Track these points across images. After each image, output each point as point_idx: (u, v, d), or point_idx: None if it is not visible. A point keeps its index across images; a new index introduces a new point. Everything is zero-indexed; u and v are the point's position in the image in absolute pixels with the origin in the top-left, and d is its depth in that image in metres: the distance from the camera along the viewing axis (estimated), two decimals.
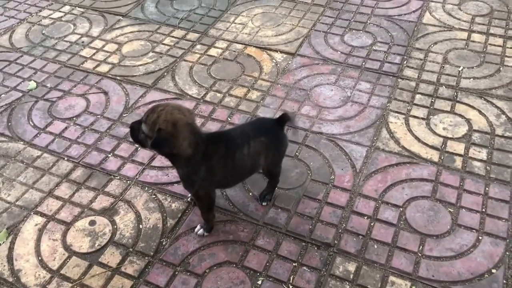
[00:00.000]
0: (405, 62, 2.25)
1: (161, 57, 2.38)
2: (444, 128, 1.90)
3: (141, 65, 2.34)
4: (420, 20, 2.51)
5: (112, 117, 2.05)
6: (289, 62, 2.31)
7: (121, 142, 1.93)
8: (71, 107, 2.12)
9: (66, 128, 2.01)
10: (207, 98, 2.13)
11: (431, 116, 1.96)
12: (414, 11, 2.58)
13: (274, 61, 2.32)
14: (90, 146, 1.92)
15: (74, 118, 2.06)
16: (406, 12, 2.57)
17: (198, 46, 2.45)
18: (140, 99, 2.14)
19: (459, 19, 2.50)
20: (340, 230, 1.56)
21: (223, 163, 1.42)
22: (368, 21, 2.52)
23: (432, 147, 1.83)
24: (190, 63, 2.34)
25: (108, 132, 1.98)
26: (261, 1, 2.76)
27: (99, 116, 2.06)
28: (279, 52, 2.38)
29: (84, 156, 1.88)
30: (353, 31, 2.47)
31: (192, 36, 2.52)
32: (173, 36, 2.53)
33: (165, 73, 2.28)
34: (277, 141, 1.50)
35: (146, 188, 1.74)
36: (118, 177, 1.78)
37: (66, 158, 1.87)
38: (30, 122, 2.05)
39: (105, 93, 2.19)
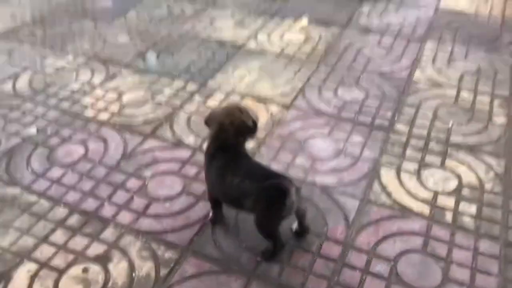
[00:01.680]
0: (396, 117, 2.33)
1: (160, 107, 2.45)
2: (434, 183, 1.95)
3: (140, 114, 2.40)
4: (411, 77, 2.61)
5: (109, 164, 2.09)
6: (285, 114, 2.38)
7: (118, 189, 1.96)
8: (70, 154, 2.16)
9: (64, 174, 2.04)
10: (204, 147, 2.18)
11: (421, 171, 2.01)
12: (405, 69, 2.69)
13: (270, 112, 2.39)
14: (87, 192, 1.95)
15: (73, 165, 2.09)
16: (397, 69, 2.68)
17: (197, 97, 2.53)
18: (138, 147, 2.19)
19: (448, 76, 2.60)
20: (332, 283, 1.57)
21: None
22: (361, 77, 2.62)
23: (423, 201, 1.86)
24: (188, 113, 2.41)
25: (105, 179, 2.01)
26: (258, 55, 2.87)
27: (97, 163, 2.10)
28: (275, 104, 2.45)
29: (81, 202, 1.90)
30: (346, 86, 2.56)
31: (191, 87, 2.61)
32: (172, 87, 2.61)
33: (164, 122, 2.34)
34: (267, 202, 1.52)
35: (140, 236, 1.75)
36: (113, 224, 1.80)
37: (62, 204, 1.89)
38: (29, 168, 2.08)
39: (104, 140, 2.23)
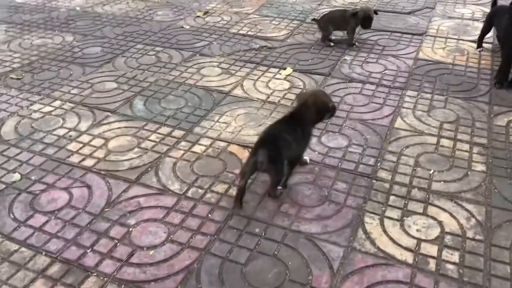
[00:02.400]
0: (379, 164, 2.37)
1: (146, 153, 2.46)
2: (417, 230, 1.97)
3: (126, 160, 2.41)
4: (392, 124, 2.68)
5: (93, 211, 2.08)
6: None
7: (101, 237, 1.94)
8: (54, 201, 2.14)
9: (47, 221, 2.02)
10: (189, 193, 2.19)
11: (405, 218, 2.04)
12: (386, 116, 2.76)
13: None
14: (70, 240, 1.92)
15: (56, 212, 2.07)
16: (379, 116, 2.75)
17: (183, 143, 2.55)
18: (122, 194, 2.18)
19: (428, 124, 2.67)
20: None
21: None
22: (344, 124, 2.68)
23: (406, 248, 1.88)
24: (174, 159, 2.42)
25: (88, 227, 1.99)
26: (244, 102, 2.93)
27: (80, 210, 2.08)
28: None
29: (63, 251, 1.87)
30: (330, 133, 2.61)
31: (178, 133, 2.64)
32: (159, 133, 2.63)
33: (149, 169, 2.35)
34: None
35: (123, 286, 1.72)
36: (95, 274, 1.77)
37: (44, 253, 1.86)
38: (11, 215, 2.05)
39: (89, 187, 2.23)
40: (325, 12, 3.78)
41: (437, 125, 2.66)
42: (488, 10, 3.58)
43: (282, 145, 2.02)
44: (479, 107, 2.81)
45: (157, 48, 3.69)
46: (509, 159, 2.38)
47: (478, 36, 3.53)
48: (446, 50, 3.54)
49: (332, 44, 3.66)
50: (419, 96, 2.95)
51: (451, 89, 3.02)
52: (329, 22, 3.61)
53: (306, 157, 2.36)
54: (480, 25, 3.63)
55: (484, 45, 3.52)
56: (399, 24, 4.03)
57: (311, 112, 2.08)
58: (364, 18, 3.54)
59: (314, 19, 3.72)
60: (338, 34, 3.75)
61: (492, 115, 2.74)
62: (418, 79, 3.15)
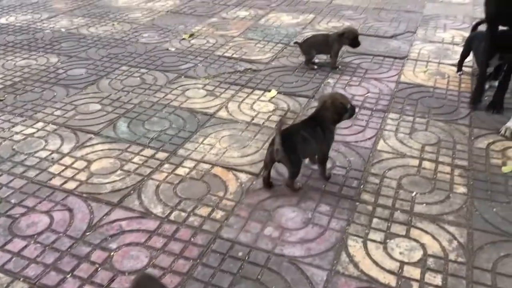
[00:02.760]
0: (362, 186, 2.39)
1: (129, 175, 2.45)
2: (400, 253, 1.98)
3: (108, 183, 2.39)
4: (375, 147, 2.71)
5: (74, 235, 2.05)
6: (254, 182, 2.41)
7: (82, 262, 1.91)
8: (34, 224, 2.10)
9: (26, 246, 1.98)
10: (172, 217, 2.17)
11: (388, 240, 2.04)
12: (369, 138, 2.79)
13: (239, 181, 2.42)
14: (49, 266, 1.88)
15: (35, 236, 2.04)
16: (361, 139, 2.78)
17: (166, 165, 2.54)
18: (104, 217, 2.16)
19: (410, 147, 2.71)
20: None
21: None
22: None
23: (389, 271, 1.88)
24: (157, 181, 2.41)
25: (69, 251, 1.96)
26: (229, 124, 2.94)
27: (61, 234, 2.05)
28: (244, 172, 2.49)
29: (42, 276, 1.83)
30: None
31: (161, 155, 2.63)
32: (142, 155, 2.62)
33: (132, 191, 2.33)
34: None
35: None
36: None
37: (22, 279, 1.82)
38: None
39: (70, 210, 2.20)
40: (308, 36, 3.84)
41: (419, 148, 2.70)
42: (467, 34, 3.67)
43: (298, 140, 2.23)
44: (460, 129, 2.86)
45: (142, 70, 3.70)
46: (489, 181, 2.41)
47: (458, 60, 3.61)
48: (427, 74, 3.61)
49: (315, 67, 3.71)
50: (401, 119, 2.99)
51: (433, 112, 3.07)
52: (312, 46, 3.68)
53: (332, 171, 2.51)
54: (460, 49, 3.72)
55: (464, 68, 3.60)
56: (382, 47, 4.10)
57: (330, 112, 2.30)
58: (353, 38, 3.61)
59: (296, 42, 3.78)
60: (321, 58, 3.81)
61: (472, 138, 2.79)
62: (400, 102, 3.20)
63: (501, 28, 2.98)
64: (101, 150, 2.67)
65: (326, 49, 3.69)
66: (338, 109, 2.31)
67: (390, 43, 4.18)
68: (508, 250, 1.99)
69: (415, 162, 2.58)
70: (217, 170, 2.50)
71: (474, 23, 3.55)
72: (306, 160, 2.48)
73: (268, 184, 2.36)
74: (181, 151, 2.66)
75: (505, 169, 2.51)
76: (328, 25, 4.63)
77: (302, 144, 2.24)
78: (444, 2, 5.37)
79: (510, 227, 2.11)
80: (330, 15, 4.94)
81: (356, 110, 3.03)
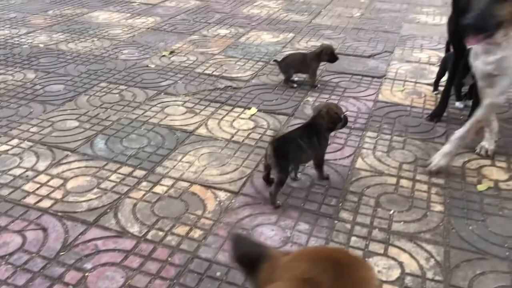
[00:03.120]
0: (340, 204, 2.39)
1: (106, 194, 2.41)
2: (378, 271, 1.98)
3: (84, 201, 2.35)
4: (353, 165, 2.73)
5: (48, 255, 2.00)
6: (233, 201, 2.40)
7: (55, 283, 1.86)
8: (5, 245, 2.05)
9: None
10: (149, 236, 2.14)
11: (366, 259, 2.04)
12: (347, 156, 2.81)
13: (218, 199, 2.40)
14: (20, 287, 1.83)
15: (7, 257, 1.98)
16: (340, 157, 2.80)
17: (144, 183, 2.51)
18: (79, 236, 2.11)
19: (388, 165, 2.73)
20: None
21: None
22: (306, 164, 2.70)
23: None
24: (134, 200, 2.38)
25: (41, 272, 1.91)
26: (208, 141, 2.93)
27: (34, 255, 2.00)
28: (223, 190, 2.47)
29: None
30: (293, 172, 2.62)
31: (139, 173, 2.60)
32: (120, 173, 2.59)
33: (108, 210, 2.29)
34: None
35: None
36: None
37: None
38: None
39: (44, 229, 2.15)
40: (287, 55, 3.88)
41: (397, 166, 2.73)
42: (443, 55, 3.76)
43: (291, 148, 2.33)
44: (436, 148, 2.90)
45: (121, 87, 3.67)
46: (465, 200, 2.45)
47: (434, 79, 3.69)
48: (404, 93, 3.67)
49: (294, 85, 3.74)
50: (378, 137, 3.03)
51: (410, 130, 3.12)
52: (290, 65, 3.72)
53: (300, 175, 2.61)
54: (436, 69, 3.80)
55: (440, 88, 3.67)
56: (360, 67, 4.17)
57: (325, 121, 2.44)
58: (331, 54, 3.69)
59: (275, 61, 3.81)
60: (301, 76, 3.85)
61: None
62: (378, 120, 3.24)
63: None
64: (78, 167, 2.62)
65: (304, 68, 3.73)
66: (333, 118, 2.46)
67: (368, 62, 4.25)
68: (484, 268, 2.02)
69: (393, 180, 2.60)
70: (196, 188, 2.48)
71: (446, 43, 3.64)
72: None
73: (268, 181, 2.49)
74: (159, 169, 2.64)
75: (480, 187, 2.55)
76: (308, 44, 4.69)
77: (297, 152, 2.35)
78: (420, 23, 5.50)
79: (486, 245, 2.14)
80: (309, 34, 5.01)
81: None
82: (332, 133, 2.92)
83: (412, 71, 4.10)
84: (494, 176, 2.64)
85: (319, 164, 2.54)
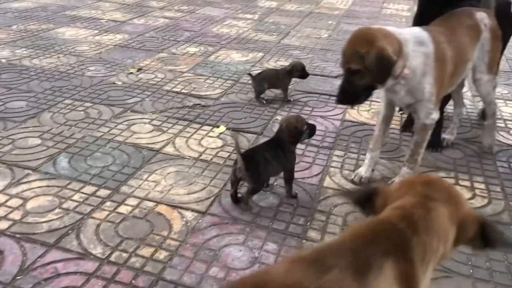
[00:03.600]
0: (308, 224, 2.39)
1: (68, 214, 2.33)
2: None
3: (45, 222, 2.26)
4: (321, 183, 2.74)
5: (3, 280, 1.90)
6: (200, 221, 2.35)
7: None
8: None
9: None
10: (112, 258, 2.07)
11: None
12: (316, 175, 2.82)
13: (185, 219, 2.36)
14: None
15: None
16: (308, 175, 2.80)
17: (108, 203, 2.44)
18: (38, 259, 2.02)
19: (355, 184, 2.75)
20: None
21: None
22: (275, 183, 2.70)
23: None
24: (97, 220, 2.30)
25: None
26: (175, 160, 2.89)
27: None
28: (190, 210, 2.43)
29: None
30: (261, 192, 2.61)
31: (103, 192, 2.52)
32: (83, 192, 2.51)
33: (70, 231, 2.21)
34: None
35: None
36: None
37: None
38: None
39: (0, 252, 2.04)
40: (261, 71, 3.97)
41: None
42: None
43: (259, 160, 2.38)
44: (401, 167, 2.94)
45: (87, 104, 3.59)
46: None
47: None
48: (371, 112, 3.74)
49: (264, 101, 3.76)
50: (346, 156, 3.05)
51: None
52: (264, 79, 3.78)
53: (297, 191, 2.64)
54: None
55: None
56: (327, 87, 4.23)
57: (285, 135, 2.47)
58: (302, 70, 3.81)
59: (249, 74, 3.86)
60: (270, 95, 3.87)
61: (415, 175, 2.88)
62: (345, 139, 3.27)
63: None
64: (39, 187, 2.53)
65: (277, 83, 3.82)
66: (292, 132, 2.48)
67: (335, 82, 4.31)
68: (449, 286, 2.04)
69: None
70: (162, 208, 2.43)
71: None
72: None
73: (235, 199, 2.50)
74: (124, 188, 2.57)
75: None
76: (277, 64, 4.73)
77: (264, 164, 2.39)
78: None
79: (450, 263, 2.16)
80: (278, 54, 5.06)
81: (303, 147, 3.07)
82: (301, 150, 2.94)
83: (378, 91, 4.16)
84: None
85: (289, 178, 2.55)
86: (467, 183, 2.82)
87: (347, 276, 1.11)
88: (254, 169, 2.37)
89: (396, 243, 1.20)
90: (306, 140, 3.00)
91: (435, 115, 2.57)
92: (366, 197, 1.40)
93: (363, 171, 2.79)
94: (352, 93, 2.40)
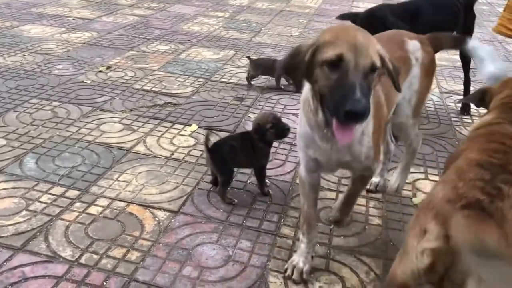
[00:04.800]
0: (282, 220, 2.39)
1: (36, 216, 2.26)
2: (320, 287, 1.98)
3: (11, 225, 2.19)
4: (294, 180, 2.74)
5: None
6: (172, 220, 2.32)
7: None
8: None
9: None
10: (82, 260, 2.02)
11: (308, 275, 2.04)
12: (289, 172, 2.82)
13: (157, 219, 2.32)
14: None
15: None
16: (281, 173, 2.80)
17: (78, 204, 2.38)
18: (4, 263, 1.96)
19: (327, 180, 2.77)
20: None
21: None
22: (248, 181, 2.69)
23: None
24: (67, 222, 2.24)
25: None
26: (147, 159, 2.84)
27: None
28: (162, 210, 2.39)
29: None
30: (235, 189, 2.60)
31: (72, 193, 2.46)
32: (51, 194, 2.44)
33: (38, 233, 2.15)
34: None
35: None
36: None
37: None
38: None
39: None
40: (259, 58, 4.29)
41: (336, 181, 2.77)
42: None
43: (225, 149, 2.43)
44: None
45: (54, 103, 3.50)
46: (402, 212, 2.52)
47: None
48: None
49: (251, 85, 4.12)
50: None
51: None
52: (261, 65, 4.03)
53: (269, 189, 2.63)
54: None
55: None
56: None
57: (253, 131, 2.51)
58: None
59: (248, 57, 4.12)
60: (243, 93, 3.85)
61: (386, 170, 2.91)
62: None
63: None
64: (4, 189, 2.45)
65: (270, 72, 4.05)
66: (256, 130, 2.50)
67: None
68: None
69: (332, 194, 2.64)
70: (133, 208, 2.38)
71: None
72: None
73: (215, 184, 2.56)
74: (94, 189, 2.51)
75: (415, 200, 2.64)
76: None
77: (230, 154, 2.42)
78: None
79: None
80: (250, 52, 5.05)
81: (276, 144, 3.07)
82: (274, 148, 2.93)
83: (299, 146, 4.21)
84: (427, 188, 2.74)
85: (260, 175, 2.58)
86: (436, 178, 2.87)
87: None
88: (219, 160, 2.43)
89: None
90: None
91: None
92: (479, 96, 1.91)
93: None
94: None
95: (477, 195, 1.13)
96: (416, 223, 1.26)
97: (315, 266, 2.09)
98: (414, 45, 2.18)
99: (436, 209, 1.16)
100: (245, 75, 4.17)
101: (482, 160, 1.26)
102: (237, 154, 2.46)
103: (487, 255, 1.00)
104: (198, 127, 3.28)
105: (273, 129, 2.48)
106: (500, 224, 1.06)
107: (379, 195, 2.65)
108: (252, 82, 4.13)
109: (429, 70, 2.26)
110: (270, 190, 2.61)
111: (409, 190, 2.72)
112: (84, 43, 4.94)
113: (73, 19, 5.84)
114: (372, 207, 2.55)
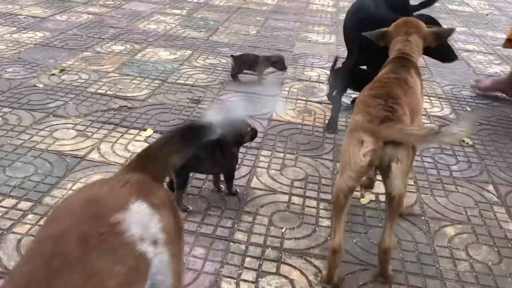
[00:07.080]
0: (236, 226, 2.46)
1: None
2: None
3: None
4: (249, 184, 2.81)
5: None
6: None
7: None
8: None
9: None
10: None
11: (259, 279, 2.12)
12: (243, 176, 2.89)
13: None
14: None
15: None
16: (237, 177, 2.86)
17: (30, 216, 2.37)
18: None
19: (281, 183, 2.86)
20: None
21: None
22: (203, 186, 2.74)
23: None
24: (18, 235, 2.23)
25: None
26: (101, 167, 2.84)
27: None
28: None
29: None
30: (189, 196, 2.64)
31: (24, 205, 2.45)
32: (2, 206, 2.42)
33: None
34: None
35: None
36: None
37: None
38: None
39: None
40: (242, 53, 4.45)
41: (289, 183, 2.86)
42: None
43: (191, 161, 2.39)
44: (324, 164, 3.10)
45: (5, 109, 3.43)
46: (350, 213, 2.63)
47: (326, 95, 3.93)
48: (296, 111, 3.86)
49: (238, 80, 4.30)
50: (272, 156, 3.15)
51: (301, 147, 3.29)
52: (244, 62, 4.24)
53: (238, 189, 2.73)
54: (325, 87, 4.04)
55: (330, 106, 3.92)
56: (255, 86, 4.30)
57: (233, 140, 2.59)
58: (278, 61, 4.26)
59: (232, 56, 4.29)
60: (201, 95, 3.88)
61: (336, 172, 3.03)
62: (272, 139, 3.37)
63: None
64: None
65: (254, 67, 4.26)
66: (236, 139, 2.62)
67: (262, 81, 4.40)
68: (365, 278, 2.19)
69: (285, 198, 2.72)
70: None
71: (331, 64, 3.89)
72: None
73: (172, 188, 2.57)
74: (47, 199, 2.51)
75: (363, 201, 2.76)
76: (206, 62, 4.74)
77: (193, 161, 2.39)
78: (311, 42, 5.81)
79: (367, 256, 2.32)
80: (207, 51, 5.07)
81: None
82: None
83: (303, 89, 4.32)
84: (375, 189, 2.87)
85: (228, 177, 2.66)
86: None
87: None
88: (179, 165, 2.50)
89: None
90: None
91: None
92: (380, 35, 2.33)
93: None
94: None
95: (383, 114, 1.85)
96: (351, 140, 1.90)
97: (266, 270, 2.17)
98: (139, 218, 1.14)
99: (363, 127, 1.85)
100: (202, 76, 4.20)
101: (374, 94, 1.96)
102: (203, 164, 2.51)
103: (405, 142, 1.82)
104: (154, 132, 3.30)
105: (251, 133, 2.68)
106: (403, 125, 1.84)
107: (329, 196, 2.76)
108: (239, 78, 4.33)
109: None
110: (237, 190, 2.71)
111: (357, 191, 2.84)
112: (36, 44, 4.82)
113: (24, 17, 5.68)
114: (323, 209, 2.65)
